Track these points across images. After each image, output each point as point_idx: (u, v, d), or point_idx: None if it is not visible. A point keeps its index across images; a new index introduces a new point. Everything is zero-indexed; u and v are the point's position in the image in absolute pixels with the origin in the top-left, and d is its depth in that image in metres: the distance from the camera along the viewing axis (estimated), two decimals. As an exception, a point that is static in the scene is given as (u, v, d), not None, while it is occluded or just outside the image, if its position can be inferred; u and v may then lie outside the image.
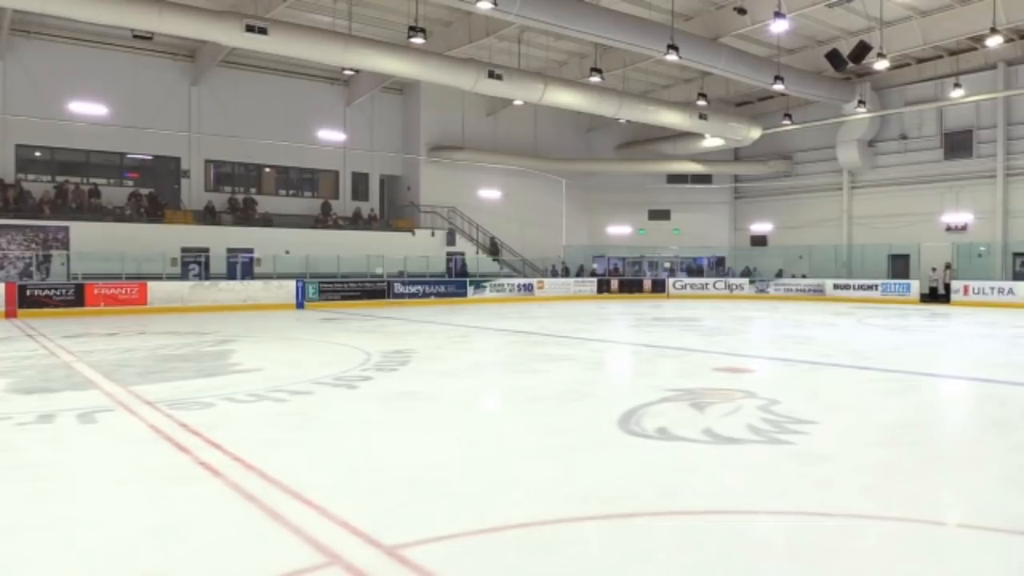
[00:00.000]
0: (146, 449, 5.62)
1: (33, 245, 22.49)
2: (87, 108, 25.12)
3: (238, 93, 27.78)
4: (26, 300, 19.76)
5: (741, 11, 21.12)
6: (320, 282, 24.66)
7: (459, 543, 3.60)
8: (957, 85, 24.05)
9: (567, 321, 18.33)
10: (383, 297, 25.68)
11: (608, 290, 31.43)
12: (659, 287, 31.81)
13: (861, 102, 26.51)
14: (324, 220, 28.63)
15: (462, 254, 30.42)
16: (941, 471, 5.26)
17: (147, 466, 5.15)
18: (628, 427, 6.20)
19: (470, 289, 27.88)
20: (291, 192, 30.24)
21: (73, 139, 25.12)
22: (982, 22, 21.28)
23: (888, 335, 14.76)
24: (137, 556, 3.60)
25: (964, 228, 28.20)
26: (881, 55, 21.46)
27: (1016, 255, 26.69)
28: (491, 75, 22.92)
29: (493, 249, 31.66)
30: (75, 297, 20.49)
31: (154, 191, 26.00)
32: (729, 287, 31.15)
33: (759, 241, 34.99)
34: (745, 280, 31.51)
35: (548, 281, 30.65)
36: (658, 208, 36.07)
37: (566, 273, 33.00)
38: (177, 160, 27.21)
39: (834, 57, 23.09)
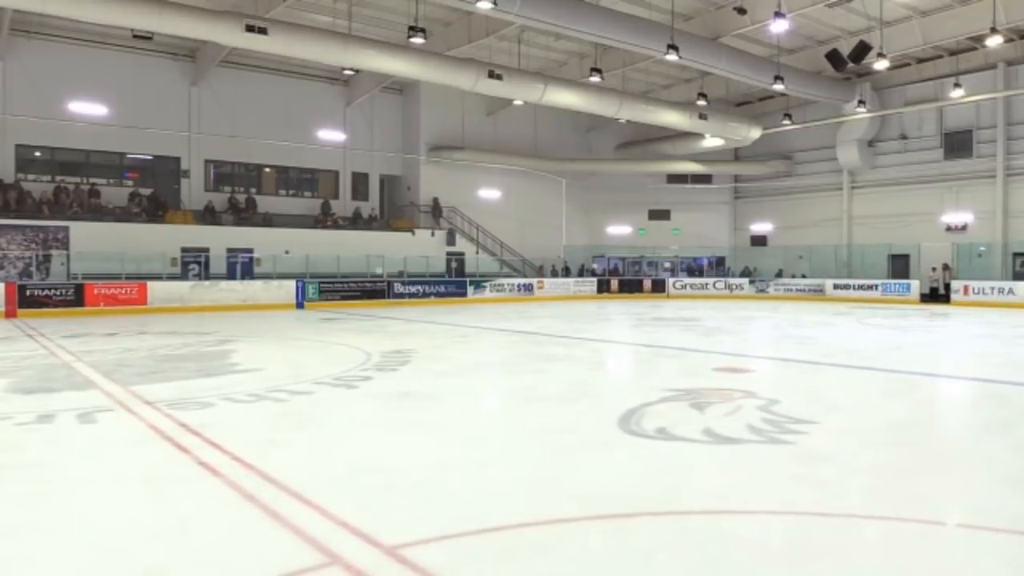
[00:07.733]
0: (146, 449, 5.62)
1: (33, 245, 22.48)
2: (87, 108, 25.08)
3: (238, 93, 27.76)
4: (26, 300, 19.75)
5: (741, 11, 21.10)
6: (320, 282, 24.65)
7: (459, 543, 3.60)
8: (957, 85, 24.01)
9: (567, 321, 18.32)
10: (383, 297, 25.67)
11: (608, 290, 31.42)
12: (659, 287, 31.80)
13: (861, 102, 26.50)
14: (324, 220, 28.62)
15: (462, 254, 30.43)
16: (941, 471, 5.25)
17: (147, 466, 5.15)
18: (628, 427, 6.20)
19: (470, 289, 27.88)
20: (291, 192, 30.23)
21: (73, 139, 25.09)
22: (982, 22, 21.26)
23: (888, 335, 14.75)
24: (137, 556, 3.60)
25: (964, 228, 28.19)
26: (881, 55, 21.46)
27: (1016, 255, 26.68)
28: (491, 75, 22.91)
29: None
30: (75, 297, 20.48)
31: (154, 191, 26.00)
32: (729, 287, 31.13)
33: (759, 241, 34.98)
34: (745, 280, 31.49)
35: (548, 281, 30.66)
36: (658, 208, 36.05)
37: (566, 273, 33.00)
38: (177, 160, 27.20)
39: (834, 57, 23.09)
